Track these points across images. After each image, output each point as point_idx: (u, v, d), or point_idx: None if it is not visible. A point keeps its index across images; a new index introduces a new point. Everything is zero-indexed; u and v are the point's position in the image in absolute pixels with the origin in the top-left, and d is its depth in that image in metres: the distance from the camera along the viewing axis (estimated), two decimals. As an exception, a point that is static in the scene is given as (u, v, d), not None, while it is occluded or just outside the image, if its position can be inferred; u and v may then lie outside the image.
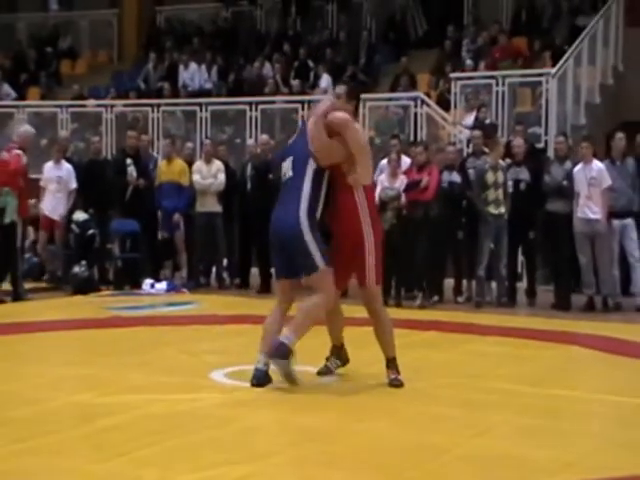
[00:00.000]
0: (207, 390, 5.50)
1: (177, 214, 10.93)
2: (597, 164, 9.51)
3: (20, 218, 9.76)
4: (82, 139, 14.51)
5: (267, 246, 10.69)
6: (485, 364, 6.62)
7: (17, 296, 9.68)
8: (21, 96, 17.28)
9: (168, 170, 11.08)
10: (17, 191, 9.68)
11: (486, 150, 10.31)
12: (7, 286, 9.77)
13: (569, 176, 9.61)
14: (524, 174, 9.87)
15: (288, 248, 5.60)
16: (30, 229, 11.47)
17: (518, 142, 10.16)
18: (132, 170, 10.99)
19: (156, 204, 11.05)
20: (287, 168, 5.64)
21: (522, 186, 9.83)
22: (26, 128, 10.60)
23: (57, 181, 11.11)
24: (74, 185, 11.12)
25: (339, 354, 6.05)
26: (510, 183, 9.82)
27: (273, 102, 14.76)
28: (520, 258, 10.33)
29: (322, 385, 5.78)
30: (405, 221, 9.51)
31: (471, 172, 10.05)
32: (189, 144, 12.33)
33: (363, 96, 13.91)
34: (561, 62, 12.60)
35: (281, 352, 5.41)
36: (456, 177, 10.05)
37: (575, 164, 9.67)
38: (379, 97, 14.28)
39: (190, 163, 11.35)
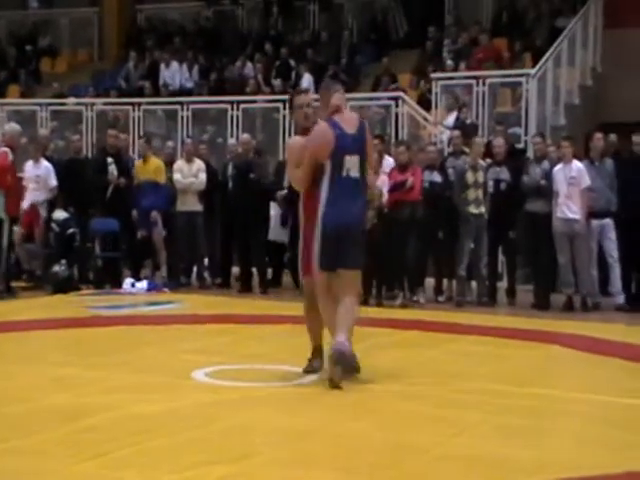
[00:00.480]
0: (189, 390, 5.48)
1: (154, 212, 10.89)
2: (577, 164, 9.57)
3: (7, 216, 9.70)
4: (62, 137, 14.44)
5: (247, 245, 10.87)
6: (466, 363, 6.65)
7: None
8: (0, 94, 17.16)
9: (144, 169, 11.05)
10: (4, 189, 9.64)
11: (466, 150, 10.35)
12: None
13: (547, 176, 9.66)
14: (504, 174, 9.91)
15: (351, 241, 5.68)
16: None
17: (499, 142, 10.20)
18: (113, 169, 10.96)
19: (134, 203, 11.01)
20: (353, 165, 5.69)
21: (502, 186, 9.88)
22: (12, 126, 10.53)
23: (36, 180, 11.05)
24: (54, 183, 11.06)
25: (321, 354, 6.03)
26: (490, 183, 9.86)
27: (254, 102, 14.74)
28: (500, 258, 10.37)
29: (302, 385, 5.78)
30: (386, 220, 9.53)
31: (451, 172, 10.09)
32: (170, 143, 12.29)
33: (345, 95, 14.03)
34: (541, 63, 12.66)
35: (346, 359, 5.55)
36: (437, 177, 10.09)
37: (554, 164, 9.73)
38: (360, 97, 14.30)
39: (171, 162, 11.31)
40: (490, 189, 9.84)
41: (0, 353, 6.82)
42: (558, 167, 9.59)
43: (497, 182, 9.90)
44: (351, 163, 5.69)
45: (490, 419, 4.95)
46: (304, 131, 5.90)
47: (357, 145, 5.75)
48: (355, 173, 5.69)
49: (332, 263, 5.68)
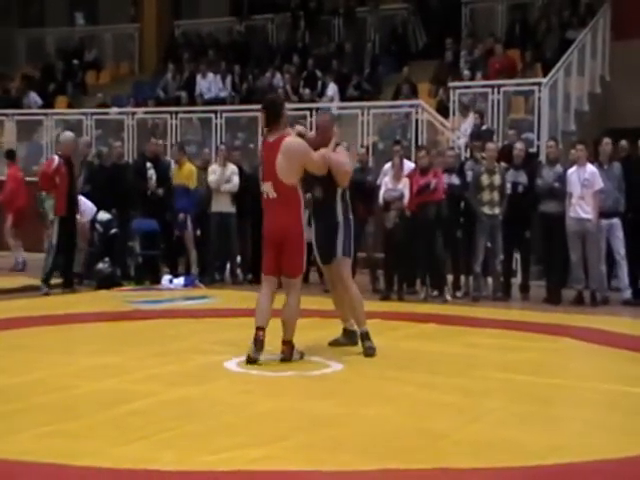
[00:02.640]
0: (221, 378, 5.50)
1: (182, 214, 10.91)
2: (590, 167, 9.48)
3: (57, 216, 9.78)
4: (105, 144, 14.53)
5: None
6: (481, 354, 6.60)
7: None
8: (49, 105, 17.31)
9: (179, 174, 11.11)
10: (53, 192, 9.74)
11: (478, 156, 10.31)
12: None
13: (560, 178, 9.58)
14: (522, 177, 9.82)
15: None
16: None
17: (520, 146, 10.12)
18: (152, 174, 10.99)
19: (170, 205, 11.04)
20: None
21: (520, 188, 9.79)
22: (66, 135, 10.55)
23: None
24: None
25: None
26: (508, 185, 9.78)
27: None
28: (515, 255, 10.29)
29: (329, 373, 5.77)
30: (413, 221, 9.49)
31: (469, 174, 10.04)
32: (206, 150, 12.36)
33: (367, 104, 14.05)
34: (552, 72, 12.57)
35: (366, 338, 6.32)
36: (455, 179, 10.02)
37: (566, 167, 9.66)
38: (382, 105, 14.27)
39: (206, 167, 11.36)
40: (508, 191, 9.76)
41: (48, 344, 6.88)
42: (572, 170, 9.51)
43: (515, 184, 9.81)
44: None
45: (505, 406, 4.92)
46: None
47: None
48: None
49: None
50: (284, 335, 6.02)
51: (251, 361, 5.83)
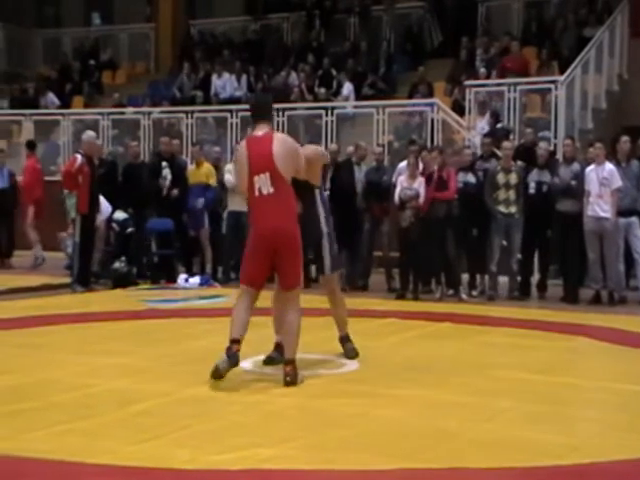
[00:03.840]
0: (235, 377, 5.49)
1: (200, 200, 10.82)
2: (609, 165, 9.41)
3: (79, 214, 9.85)
4: (121, 144, 14.58)
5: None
6: (496, 353, 6.58)
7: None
8: (66, 105, 17.41)
9: (196, 173, 11.13)
10: (75, 190, 9.81)
11: (498, 153, 10.25)
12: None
13: (577, 177, 9.52)
14: (546, 176, 9.76)
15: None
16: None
17: (544, 146, 10.06)
18: (167, 173, 11.02)
19: (186, 205, 11.06)
20: None
21: (544, 188, 9.71)
22: (88, 134, 10.59)
23: None
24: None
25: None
26: (532, 184, 9.72)
27: (298, 109, 14.75)
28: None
29: (342, 373, 5.77)
30: (425, 220, 9.47)
31: (481, 174, 9.99)
32: (216, 148, 12.38)
33: (382, 102, 14.03)
34: (569, 70, 12.50)
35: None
36: (471, 178, 9.98)
37: (583, 166, 9.59)
38: (397, 103, 14.25)
39: (216, 166, 11.38)
40: (532, 190, 9.70)
41: (64, 343, 6.92)
42: (590, 168, 9.46)
43: (539, 184, 9.74)
44: None
45: (519, 406, 4.90)
46: None
47: None
48: None
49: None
50: (286, 354, 5.40)
51: (217, 376, 5.19)
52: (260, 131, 5.51)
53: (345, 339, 6.25)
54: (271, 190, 5.30)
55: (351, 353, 6.14)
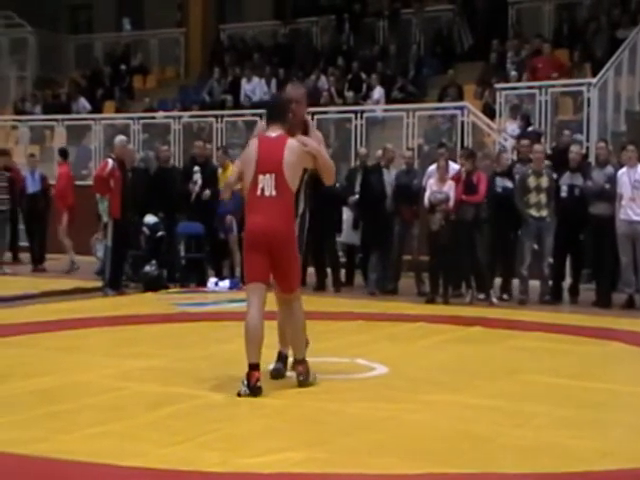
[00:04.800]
0: (265, 381, 5.50)
1: (229, 216, 10.96)
2: None
3: (111, 219, 9.94)
4: (152, 148, 14.71)
5: (322, 247, 10.86)
6: (527, 358, 6.53)
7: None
8: (98, 109, 17.61)
9: (223, 177, 11.17)
10: (107, 195, 9.91)
11: (532, 157, 10.19)
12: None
13: (610, 180, 9.43)
14: (578, 180, 9.67)
15: None
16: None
17: (576, 149, 9.98)
18: (198, 177, 11.09)
19: (217, 209, 11.12)
20: None
21: (577, 191, 9.63)
22: (120, 139, 10.67)
23: None
24: None
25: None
26: (565, 188, 9.65)
27: (328, 112, 14.77)
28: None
29: (373, 376, 5.77)
30: (453, 223, 9.44)
31: (518, 177, 9.93)
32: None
33: (412, 106, 14.00)
34: (602, 72, 12.39)
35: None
36: (508, 183, 9.89)
37: (616, 169, 9.50)
38: (427, 107, 14.22)
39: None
40: (564, 194, 9.63)
41: (96, 345, 7.00)
42: (622, 170, 9.36)
43: (571, 187, 9.66)
44: None
45: (551, 411, 4.86)
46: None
47: None
48: None
49: None
50: (295, 355, 5.45)
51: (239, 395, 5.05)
52: (274, 133, 5.50)
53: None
54: (273, 193, 5.31)
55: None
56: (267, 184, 5.30)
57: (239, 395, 5.08)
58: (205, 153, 11.62)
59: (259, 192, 5.32)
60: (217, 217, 11.10)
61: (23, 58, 19.94)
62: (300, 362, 5.42)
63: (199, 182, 11.07)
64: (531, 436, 4.35)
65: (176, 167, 12.47)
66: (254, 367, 5.15)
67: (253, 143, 5.54)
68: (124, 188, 10.09)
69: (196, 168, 11.17)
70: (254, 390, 5.08)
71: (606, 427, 4.64)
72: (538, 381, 5.63)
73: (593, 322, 8.24)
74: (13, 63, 19.91)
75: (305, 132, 5.62)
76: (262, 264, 5.34)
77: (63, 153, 13.29)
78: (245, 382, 5.11)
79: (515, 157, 11.00)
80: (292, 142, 5.41)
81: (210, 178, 11.22)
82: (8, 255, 12.80)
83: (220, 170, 11.46)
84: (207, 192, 10.99)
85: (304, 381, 5.35)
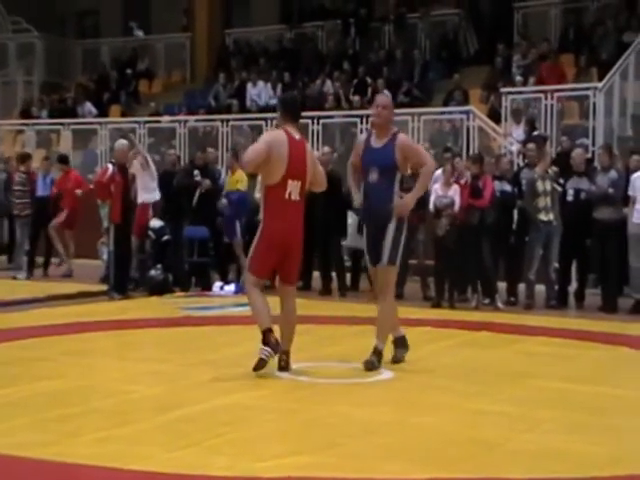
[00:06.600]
0: (272, 385, 5.51)
1: (224, 200, 10.82)
2: None
3: (112, 223, 9.92)
4: (158, 152, 14.71)
5: (328, 252, 10.83)
6: (534, 363, 6.50)
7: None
8: (104, 113, 17.63)
9: (231, 180, 11.17)
10: (108, 200, 9.89)
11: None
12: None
13: (614, 185, 9.40)
14: (584, 184, 9.65)
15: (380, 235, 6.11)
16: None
17: (578, 153, 9.96)
18: (197, 173, 11.08)
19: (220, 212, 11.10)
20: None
21: (583, 195, 9.60)
22: (120, 142, 10.60)
23: None
24: None
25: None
26: (571, 192, 9.63)
27: (333, 117, 14.76)
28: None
29: (380, 381, 5.74)
30: (459, 227, 9.41)
31: (525, 182, 9.90)
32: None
33: (418, 110, 13.99)
34: (608, 76, 12.37)
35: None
36: (507, 186, 9.89)
37: (621, 173, 9.47)
38: (433, 111, 14.21)
39: (253, 175, 11.39)
40: (570, 198, 9.60)
41: (103, 349, 6.98)
42: (637, 175, 9.35)
43: (577, 191, 9.64)
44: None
45: (559, 416, 4.83)
46: None
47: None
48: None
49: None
50: (285, 346, 5.76)
51: (260, 367, 5.53)
52: (296, 134, 5.68)
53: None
54: (297, 198, 5.68)
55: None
56: (294, 190, 5.64)
57: (260, 363, 5.49)
58: (205, 159, 11.59)
59: (287, 196, 5.62)
60: (221, 221, 11.07)
61: (30, 63, 20.00)
62: (287, 353, 5.78)
63: (199, 179, 11.05)
64: (540, 441, 4.31)
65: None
66: (269, 331, 5.57)
67: (284, 137, 5.61)
68: (125, 193, 10.04)
69: (196, 172, 11.17)
70: (275, 347, 5.52)
71: (616, 432, 4.60)
72: (547, 386, 5.60)
73: (600, 327, 8.20)
74: (20, 68, 19.96)
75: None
76: (273, 265, 5.81)
77: (64, 160, 13.11)
78: (263, 347, 5.51)
79: (521, 162, 10.98)
80: (309, 147, 5.76)
81: (212, 182, 11.21)
82: (24, 259, 12.66)
83: (229, 173, 11.42)
84: (207, 182, 10.96)
85: (284, 367, 5.70)
